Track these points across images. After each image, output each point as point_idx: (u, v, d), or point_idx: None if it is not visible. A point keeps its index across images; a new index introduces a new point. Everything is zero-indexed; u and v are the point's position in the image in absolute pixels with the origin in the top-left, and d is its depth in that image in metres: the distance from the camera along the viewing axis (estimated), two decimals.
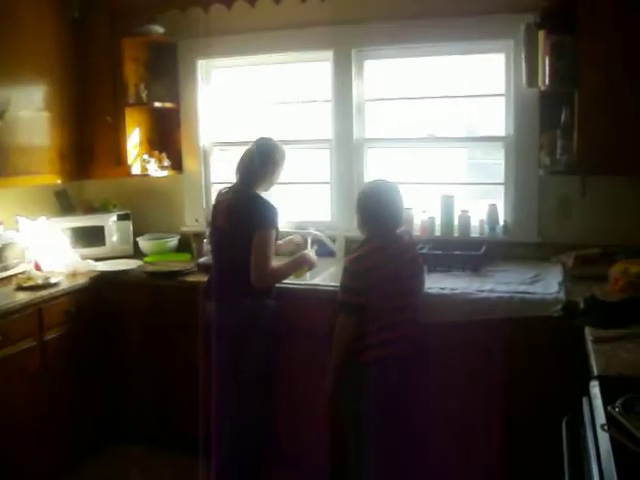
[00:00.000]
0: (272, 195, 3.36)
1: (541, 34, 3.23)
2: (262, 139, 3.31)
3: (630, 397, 1.70)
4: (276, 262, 3.20)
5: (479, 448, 3.11)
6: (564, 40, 3.10)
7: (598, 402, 1.76)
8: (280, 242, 3.48)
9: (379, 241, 2.87)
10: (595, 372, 2.05)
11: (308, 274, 3.49)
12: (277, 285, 3.25)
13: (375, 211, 2.91)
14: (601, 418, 1.65)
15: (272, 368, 3.29)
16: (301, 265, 3.37)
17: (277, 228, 3.18)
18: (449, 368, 3.09)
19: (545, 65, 3.19)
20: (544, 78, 3.22)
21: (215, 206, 3.30)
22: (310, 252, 3.47)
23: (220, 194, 3.33)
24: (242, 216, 3.13)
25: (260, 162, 3.20)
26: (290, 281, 3.36)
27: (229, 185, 3.32)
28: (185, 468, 3.56)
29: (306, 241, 3.67)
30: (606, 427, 1.57)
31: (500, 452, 3.02)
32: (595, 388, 1.86)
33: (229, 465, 3.26)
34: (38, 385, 3.35)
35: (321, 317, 3.15)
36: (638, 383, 1.87)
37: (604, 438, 1.55)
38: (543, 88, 3.30)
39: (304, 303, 3.33)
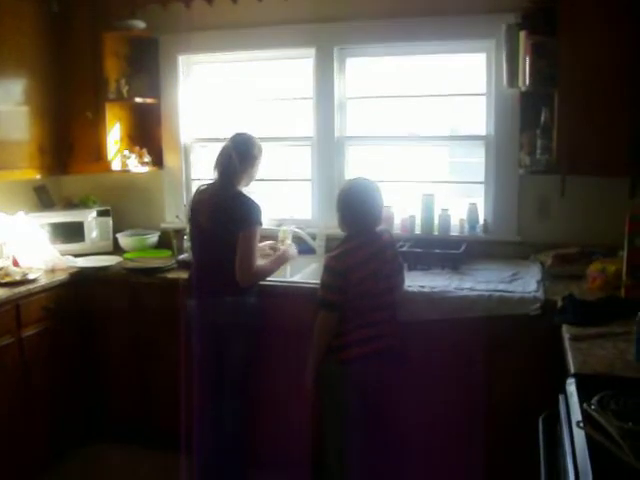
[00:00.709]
0: (253, 192, 3.36)
1: (522, 34, 3.26)
2: (238, 134, 3.30)
3: (606, 394, 1.71)
4: (261, 260, 3.22)
5: (458, 445, 3.13)
6: (544, 41, 3.14)
7: (574, 399, 1.77)
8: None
9: (359, 239, 2.87)
10: (572, 370, 2.07)
11: (288, 269, 3.51)
12: (260, 283, 3.25)
13: (355, 209, 2.90)
14: (577, 415, 1.67)
15: (253, 365, 3.29)
16: (284, 262, 3.40)
17: (261, 225, 3.17)
18: (428, 366, 3.11)
19: (525, 65, 3.22)
20: (524, 78, 3.25)
21: (196, 203, 3.26)
22: (290, 247, 3.48)
23: (199, 191, 3.30)
24: (225, 215, 3.11)
25: (239, 157, 3.19)
26: (271, 278, 3.35)
27: (208, 182, 3.30)
28: (167, 466, 3.54)
29: (281, 242, 3.63)
30: (582, 424, 1.59)
31: (479, 449, 3.04)
32: (571, 386, 1.88)
33: (212, 463, 3.27)
34: (16, 382, 3.31)
35: (302, 314, 3.16)
36: (614, 381, 1.89)
37: (580, 435, 1.57)
38: (523, 88, 3.33)
39: (285, 300, 3.33)
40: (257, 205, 3.15)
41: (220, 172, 3.21)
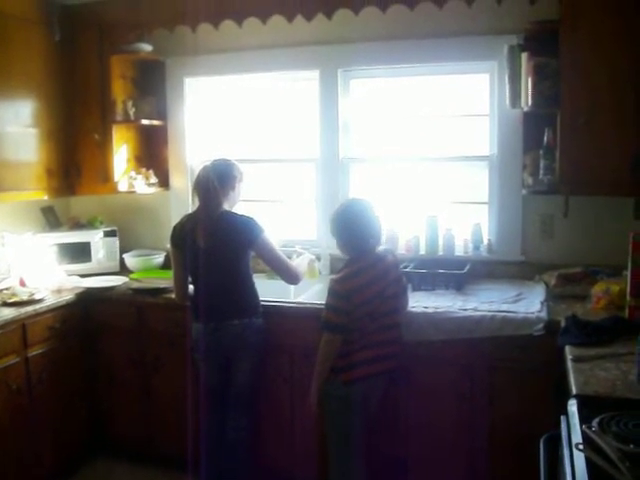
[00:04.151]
0: (257, 213, 3.37)
1: (524, 56, 3.28)
2: (216, 159, 3.30)
3: (606, 416, 1.71)
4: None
5: (461, 465, 3.12)
6: (546, 62, 3.16)
7: (575, 421, 1.77)
8: None
9: (364, 261, 2.88)
10: (574, 391, 2.07)
11: (292, 290, 3.56)
12: (263, 303, 3.27)
13: (354, 232, 2.91)
14: (578, 437, 1.66)
15: (259, 384, 3.31)
16: (308, 264, 3.54)
17: (265, 231, 3.18)
18: (432, 386, 3.11)
19: (528, 86, 3.24)
20: (527, 99, 3.27)
21: (189, 230, 3.18)
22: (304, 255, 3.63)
23: (187, 219, 3.26)
24: (224, 234, 3.13)
25: (218, 180, 3.16)
26: (276, 299, 3.39)
27: (192, 211, 3.31)
28: None
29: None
30: (581, 447, 1.58)
31: (482, 469, 3.04)
32: (573, 407, 1.87)
33: None
34: (22, 401, 3.33)
35: (307, 334, 3.18)
36: (615, 402, 1.88)
37: (580, 458, 1.56)
38: (526, 109, 3.34)
39: (290, 321, 3.34)
40: (250, 216, 3.17)
41: (202, 196, 3.17)
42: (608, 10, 2.97)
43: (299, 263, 3.44)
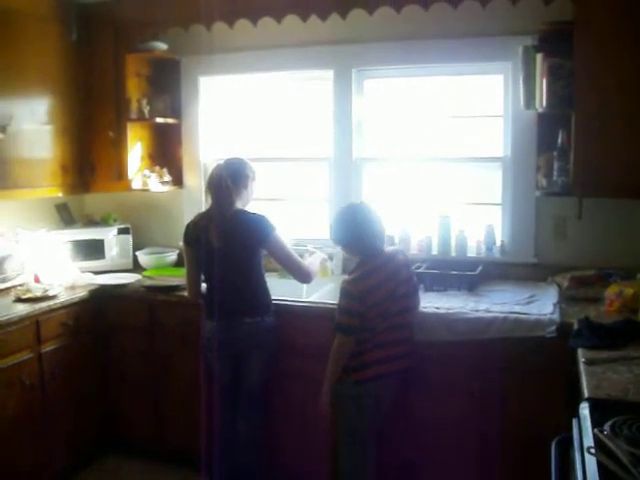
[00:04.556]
0: (269, 212, 3.37)
1: (538, 57, 3.27)
2: (229, 158, 3.32)
3: (618, 420, 1.71)
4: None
5: (471, 466, 3.12)
6: (561, 63, 3.14)
7: (587, 424, 1.76)
8: None
9: (375, 261, 2.89)
10: (585, 394, 2.06)
11: (305, 289, 3.56)
12: (275, 302, 3.28)
13: (361, 233, 2.91)
14: (589, 440, 1.66)
15: (271, 382, 3.32)
16: (320, 263, 3.52)
17: (276, 229, 3.19)
18: (443, 386, 3.11)
19: (542, 87, 3.23)
20: (541, 100, 3.26)
21: (201, 229, 3.19)
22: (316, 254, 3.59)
23: (200, 217, 3.28)
24: (237, 233, 3.14)
25: (232, 178, 3.19)
26: (288, 298, 3.41)
27: (206, 209, 3.33)
28: None
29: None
30: (593, 450, 1.58)
31: (492, 470, 3.03)
32: (585, 410, 1.87)
33: (228, 477, 3.28)
34: (35, 397, 3.36)
35: (319, 334, 3.19)
36: (627, 406, 1.88)
37: (591, 461, 1.56)
38: (540, 110, 3.33)
39: (302, 320, 3.35)
40: (262, 215, 3.18)
41: (215, 195, 3.19)
42: (619, 12, 2.95)
43: (311, 262, 3.44)
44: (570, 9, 3.14)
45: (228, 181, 3.16)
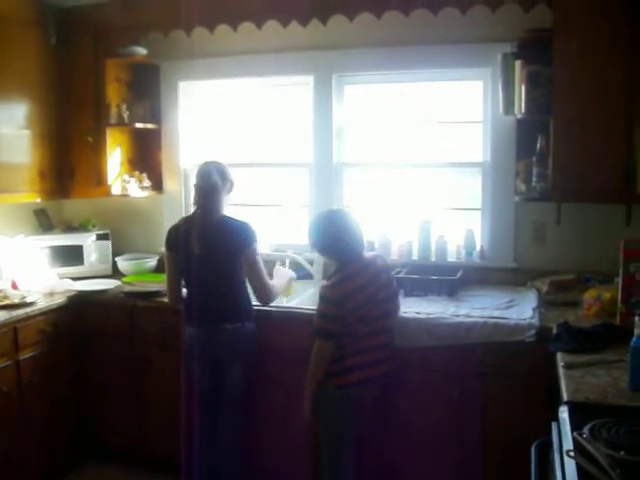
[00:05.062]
0: (250, 218, 3.36)
1: (518, 64, 3.30)
2: (212, 161, 3.29)
3: (597, 423, 1.71)
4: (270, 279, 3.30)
5: (451, 471, 3.12)
6: (540, 70, 3.18)
7: (566, 428, 1.77)
8: None
9: (354, 266, 2.88)
10: (565, 397, 2.08)
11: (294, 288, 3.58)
12: (255, 308, 3.27)
13: (339, 238, 2.92)
14: (569, 444, 1.67)
15: (252, 390, 3.30)
16: (289, 282, 3.48)
17: (257, 242, 3.19)
18: (424, 391, 3.11)
19: (521, 94, 3.27)
20: (520, 106, 3.29)
21: (184, 232, 3.19)
22: (286, 270, 3.58)
23: (184, 221, 3.28)
24: (220, 239, 3.13)
25: (222, 181, 3.19)
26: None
27: (190, 214, 3.31)
28: None
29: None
30: (572, 453, 1.59)
31: (472, 475, 3.04)
32: (564, 413, 1.88)
33: None
34: (12, 404, 3.32)
35: (299, 339, 3.17)
36: (606, 409, 1.89)
37: (570, 464, 1.56)
38: (519, 116, 3.36)
39: (282, 326, 3.34)
40: (248, 224, 3.17)
41: (202, 197, 3.18)
42: (597, 18, 3.00)
43: (281, 275, 3.44)
44: (549, 17, 3.16)
45: (220, 186, 3.17)
